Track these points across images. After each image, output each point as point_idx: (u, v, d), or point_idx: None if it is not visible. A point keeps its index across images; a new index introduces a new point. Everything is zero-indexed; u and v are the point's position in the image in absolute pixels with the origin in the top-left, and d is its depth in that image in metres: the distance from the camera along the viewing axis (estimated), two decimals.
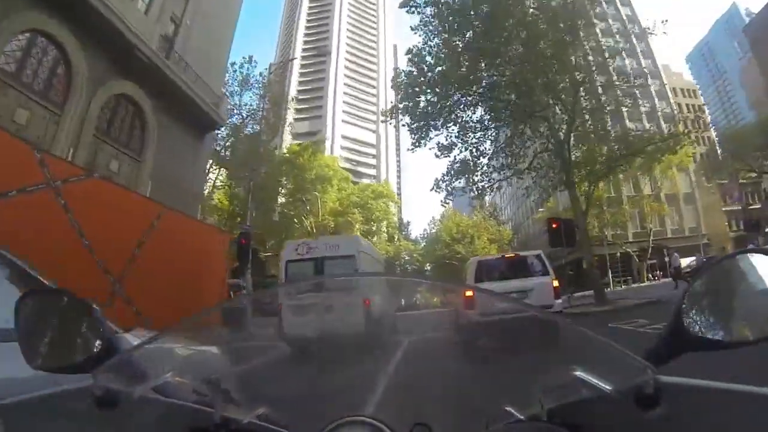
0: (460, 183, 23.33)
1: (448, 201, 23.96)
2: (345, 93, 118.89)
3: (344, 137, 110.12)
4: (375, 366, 1.49)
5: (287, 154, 51.42)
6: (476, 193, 23.74)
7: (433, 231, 72.64)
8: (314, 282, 11.89)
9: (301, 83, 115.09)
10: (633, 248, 46.30)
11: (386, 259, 62.43)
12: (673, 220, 49.92)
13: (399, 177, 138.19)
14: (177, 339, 1.05)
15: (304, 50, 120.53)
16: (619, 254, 45.60)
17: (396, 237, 66.65)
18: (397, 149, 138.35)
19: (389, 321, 9.14)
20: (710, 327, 0.84)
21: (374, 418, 1.01)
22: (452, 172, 22.37)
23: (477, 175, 22.68)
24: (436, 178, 22.54)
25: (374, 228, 58.84)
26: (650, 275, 45.69)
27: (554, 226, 19.60)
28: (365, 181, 65.36)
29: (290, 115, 47.47)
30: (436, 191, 22.50)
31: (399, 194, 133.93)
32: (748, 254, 0.86)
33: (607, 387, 0.86)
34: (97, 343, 1.01)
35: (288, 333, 7.55)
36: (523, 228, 71.50)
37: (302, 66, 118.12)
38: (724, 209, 54.80)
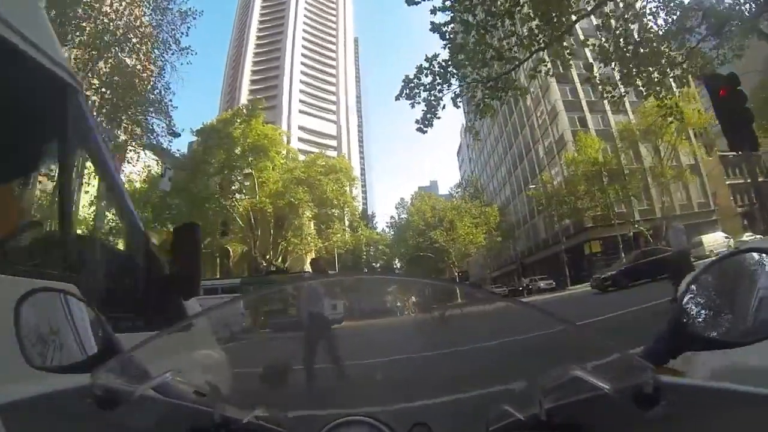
0: (447, 88, 13.07)
1: (430, 119, 13.30)
2: (302, 82, 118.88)
3: (301, 128, 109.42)
4: (374, 366, 1.53)
5: (216, 123, 43.71)
6: (483, 96, 13.64)
7: (403, 217, 62.95)
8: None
9: (254, 72, 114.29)
10: (644, 227, 40.01)
11: (347, 253, 55.53)
12: (681, 195, 48.00)
13: (363, 168, 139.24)
14: (177, 339, 1.07)
15: (258, 37, 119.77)
16: (632, 234, 41.02)
17: (358, 227, 57.17)
18: (360, 139, 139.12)
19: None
20: (710, 326, 0.87)
21: (374, 417, 1.04)
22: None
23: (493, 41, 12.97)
24: (406, 77, 13.00)
25: (334, 215, 48.91)
26: None
27: (722, 93, 10.01)
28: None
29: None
30: (407, 99, 13.01)
31: (363, 186, 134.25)
32: (748, 253, 0.89)
33: (606, 386, 0.87)
34: (97, 343, 1.05)
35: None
36: (511, 210, 66.57)
37: (256, 55, 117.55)
38: (728, 182, 53.76)
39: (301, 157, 52.14)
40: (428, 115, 13.13)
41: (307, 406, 1.22)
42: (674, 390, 0.82)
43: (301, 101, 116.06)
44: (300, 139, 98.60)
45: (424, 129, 13.38)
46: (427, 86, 12.91)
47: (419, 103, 13.03)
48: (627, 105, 50.24)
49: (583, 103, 50.82)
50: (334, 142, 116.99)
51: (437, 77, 12.80)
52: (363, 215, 67.45)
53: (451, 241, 54.02)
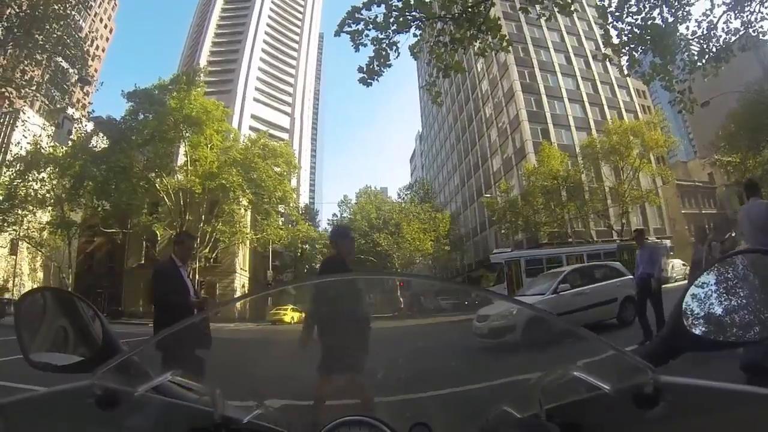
0: (405, 30, 9.55)
1: (378, 70, 9.72)
2: (261, 69, 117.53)
3: (254, 117, 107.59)
4: (374, 366, 1.55)
5: (153, 89, 38.35)
6: (451, 38, 10.06)
7: (345, 216, 58.68)
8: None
9: (213, 53, 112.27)
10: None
11: (280, 251, 51.24)
12: (638, 219, 46.96)
13: (314, 165, 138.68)
14: (177, 339, 1.08)
15: (221, 17, 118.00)
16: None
17: (297, 221, 50.20)
18: (313, 137, 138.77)
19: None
20: (710, 327, 0.89)
21: (374, 417, 1.06)
22: None
23: None
24: (353, 7, 9.39)
25: (272, 206, 43.45)
26: None
27: None
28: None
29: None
30: (351, 38, 9.40)
31: (312, 183, 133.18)
32: (748, 254, 0.93)
33: (606, 387, 0.89)
34: (97, 342, 1.07)
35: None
36: (462, 220, 64.30)
37: (216, 35, 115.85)
38: (683, 212, 55.48)
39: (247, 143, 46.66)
40: (376, 64, 9.73)
41: (306, 406, 1.24)
42: (674, 390, 0.84)
43: (257, 89, 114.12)
44: (251, 128, 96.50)
45: (369, 80, 9.98)
46: (379, 24, 9.44)
47: (365, 45, 9.70)
48: (591, 123, 50.67)
49: (547, 115, 50.79)
50: (286, 135, 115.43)
51: (393, 12, 9.38)
52: (306, 210, 63.96)
53: (395, 246, 50.51)
